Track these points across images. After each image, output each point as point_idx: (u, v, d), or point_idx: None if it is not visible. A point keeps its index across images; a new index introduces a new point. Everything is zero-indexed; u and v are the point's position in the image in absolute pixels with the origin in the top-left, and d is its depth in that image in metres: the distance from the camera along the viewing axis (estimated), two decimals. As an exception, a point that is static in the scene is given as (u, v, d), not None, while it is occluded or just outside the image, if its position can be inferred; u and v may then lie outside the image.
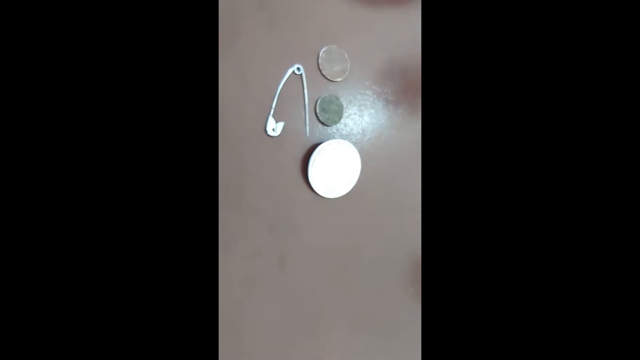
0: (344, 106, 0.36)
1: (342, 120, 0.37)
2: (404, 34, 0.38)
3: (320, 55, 0.35)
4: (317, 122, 0.36)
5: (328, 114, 0.36)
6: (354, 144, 0.37)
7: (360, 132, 0.37)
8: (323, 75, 0.35)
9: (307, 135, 0.35)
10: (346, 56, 0.36)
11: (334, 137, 0.36)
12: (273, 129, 0.33)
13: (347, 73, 0.36)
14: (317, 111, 0.35)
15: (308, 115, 0.35)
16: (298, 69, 0.34)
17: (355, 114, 0.37)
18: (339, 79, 0.36)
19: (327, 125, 0.36)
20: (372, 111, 0.38)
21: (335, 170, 0.35)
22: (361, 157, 0.37)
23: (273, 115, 0.33)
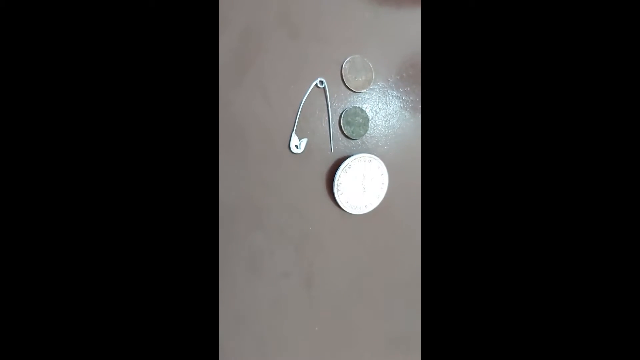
0: (370, 118, 0.35)
1: (368, 133, 0.35)
2: (431, 38, 0.36)
3: (343, 66, 0.33)
4: (341, 136, 0.34)
5: (353, 127, 0.34)
6: (381, 156, 0.35)
7: (388, 144, 0.36)
8: (347, 87, 0.34)
9: (332, 150, 0.34)
10: (371, 66, 0.34)
11: (359, 151, 0.35)
12: (296, 146, 0.32)
13: (372, 83, 0.34)
14: (342, 124, 0.34)
15: (332, 130, 0.33)
16: (321, 82, 0.33)
17: (381, 125, 0.35)
18: (363, 90, 0.34)
19: (352, 139, 0.34)
20: (399, 121, 0.36)
21: (362, 185, 0.34)
22: (389, 170, 0.36)
23: (296, 132, 0.32)
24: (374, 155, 0.34)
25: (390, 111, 0.35)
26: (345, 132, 0.34)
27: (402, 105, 0.36)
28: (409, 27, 0.35)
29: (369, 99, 0.35)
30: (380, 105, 0.35)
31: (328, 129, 0.33)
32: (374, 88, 0.35)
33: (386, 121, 0.35)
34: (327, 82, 0.33)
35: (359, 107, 0.34)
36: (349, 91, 0.34)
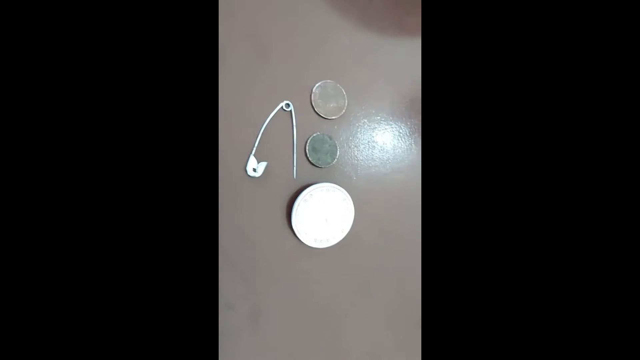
0: (339, 146, 0.33)
1: (337, 161, 0.33)
2: (409, 67, 0.35)
3: (313, 91, 0.32)
4: (307, 163, 0.32)
5: (319, 154, 0.32)
6: (349, 187, 0.33)
7: (357, 174, 0.34)
8: (317, 113, 0.32)
9: (295, 177, 0.32)
10: (344, 92, 0.33)
11: (326, 180, 0.33)
12: (254, 169, 0.30)
13: (344, 110, 0.33)
14: (307, 151, 0.32)
15: (296, 155, 0.32)
16: (287, 105, 0.31)
17: (351, 154, 0.33)
18: (334, 117, 0.33)
19: (318, 167, 0.32)
20: (371, 151, 0.34)
21: (324, 217, 0.31)
22: (356, 202, 0.33)
23: (255, 155, 0.31)
24: (340, 185, 0.32)
25: (362, 140, 0.34)
26: (310, 159, 0.32)
27: (374, 135, 0.34)
28: (388, 55, 0.34)
29: (339, 126, 0.33)
30: (351, 133, 0.33)
31: (292, 155, 0.32)
32: (346, 116, 0.33)
33: (357, 151, 0.34)
34: (295, 106, 0.31)
35: (327, 135, 0.32)
36: (318, 117, 0.32)
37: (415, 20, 0.35)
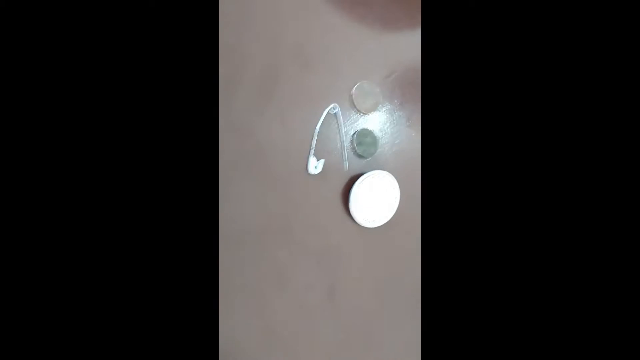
0: (379, 137, 0.38)
1: (379, 151, 0.38)
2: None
3: (353, 91, 0.36)
4: (354, 155, 0.37)
5: (364, 147, 0.37)
6: (391, 172, 0.38)
7: (396, 160, 0.39)
8: (357, 110, 0.37)
9: (347, 169, 0.37)
10: (377, 90, 0.37)
11: (371, 168, 0.38)
12: (315, 167, 0.35)
13: (379, 105, 0.37)
14: (354, 145, 0.37)
15: (346, 150, 0.36)
16: (333, 108, 0.36)
17: (389, 143, 0.38)
18: (372, 112, 0.37)
19: (364, 158, 0.37)
20: (406, 139, 0.39)
21: (375, 200, 0.36)
22: (399, 184, 0.39)
23: (314, 154, 0.35)
24: (385, 171, 0.37)
25: (397, 130, 0.39)
26: (358, 151, 0.37)
27: (407, 124, 0.39)
28: (408, 50, 0.39)
29: (377, 120, 0.38)
30: (387, 125, 0.38)
31: (342, 150, 0.36)
32: (381, 110, 0.38)
33: (393, 139, 0.38)
34: (339, 107, 0.36)
35: (368, 128, 0.37)
36: (359, 114, 0.37)
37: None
